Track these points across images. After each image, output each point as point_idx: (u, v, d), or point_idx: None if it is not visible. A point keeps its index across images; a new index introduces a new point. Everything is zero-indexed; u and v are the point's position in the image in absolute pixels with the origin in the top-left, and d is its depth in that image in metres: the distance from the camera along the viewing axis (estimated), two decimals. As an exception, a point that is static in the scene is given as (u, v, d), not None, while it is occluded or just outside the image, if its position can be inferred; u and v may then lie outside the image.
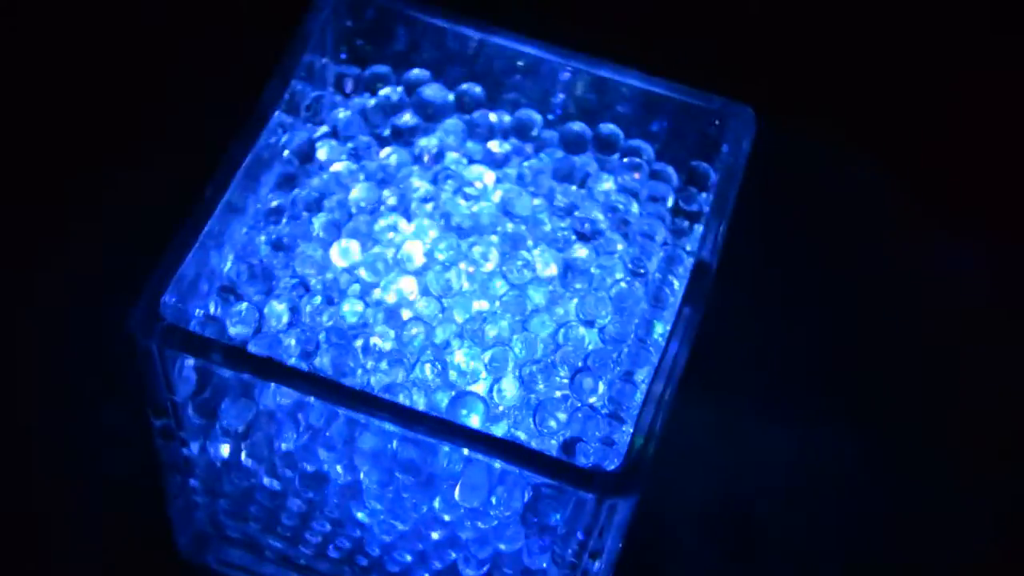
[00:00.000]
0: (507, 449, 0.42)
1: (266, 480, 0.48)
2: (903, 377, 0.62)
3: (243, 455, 0.48)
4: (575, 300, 0.49)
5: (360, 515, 0.48)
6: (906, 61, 0.70)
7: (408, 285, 0.48)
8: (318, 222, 0.49)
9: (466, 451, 0.43)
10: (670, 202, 0.51)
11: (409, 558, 0.50)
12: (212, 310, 0.47)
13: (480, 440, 0.42)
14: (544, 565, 0.47)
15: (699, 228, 0.51)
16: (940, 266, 0.66)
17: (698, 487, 0.59)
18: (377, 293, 0.48)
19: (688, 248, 0.51)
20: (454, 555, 0.49)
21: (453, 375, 0.47)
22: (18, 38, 0.68)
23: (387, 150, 0.51)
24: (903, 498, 0.60)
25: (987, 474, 0.61)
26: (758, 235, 0.57)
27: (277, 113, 0.49)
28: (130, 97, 0.67)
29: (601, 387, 0.46)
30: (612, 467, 0.43)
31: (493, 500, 0.45)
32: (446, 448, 0.43)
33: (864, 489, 0.60)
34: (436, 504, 0.46)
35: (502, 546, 0.47)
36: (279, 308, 0.47)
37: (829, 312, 0.64)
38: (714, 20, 0.71)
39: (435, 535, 0.48)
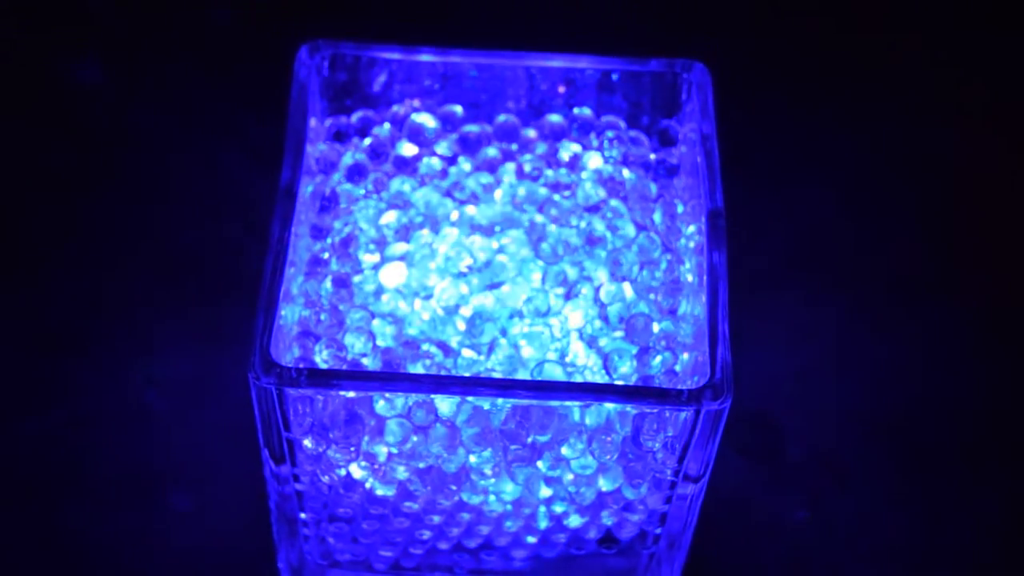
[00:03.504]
0: (615, 392, 0.48)
1: (379, 490, 0.53)
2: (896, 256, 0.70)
3: (357, 471, 0.53)
4: (603, 265, 0.55)
5: (475, 499, 0.54)
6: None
7: (460, 287, 0.54)
8: (362, 254, 0.55)
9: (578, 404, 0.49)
10: (652, 160, 0.58)
11: (517, 525, 0.55)
12: (297, 353, 0.52)
13: (591, 390, 0.48)
14: (644, 491, 0.53)
15: (679, 180, 0.58)
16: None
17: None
18: (435, 301, 0.54)
19: (676, 199, 0.58)
20: (559, 510, 0.55)
21: (526, 353, 0.52)
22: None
23: (397, 180, 0.57)
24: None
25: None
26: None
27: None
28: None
29: (655, 328, 0.53)
30: (698, 385, 0.49)
31: (595, 444, 0.51)
32: (553, 405, 0.49)
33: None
34: (542, 465, 0.52)
35: (604, 486, 0.53)
36: (357, 339, 0.52)
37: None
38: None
39: (543, 493, 0.53)
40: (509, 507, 0.55)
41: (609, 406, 0.50)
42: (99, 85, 0.77)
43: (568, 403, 0.49)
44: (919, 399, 0.67)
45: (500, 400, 0.49)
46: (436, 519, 0.55)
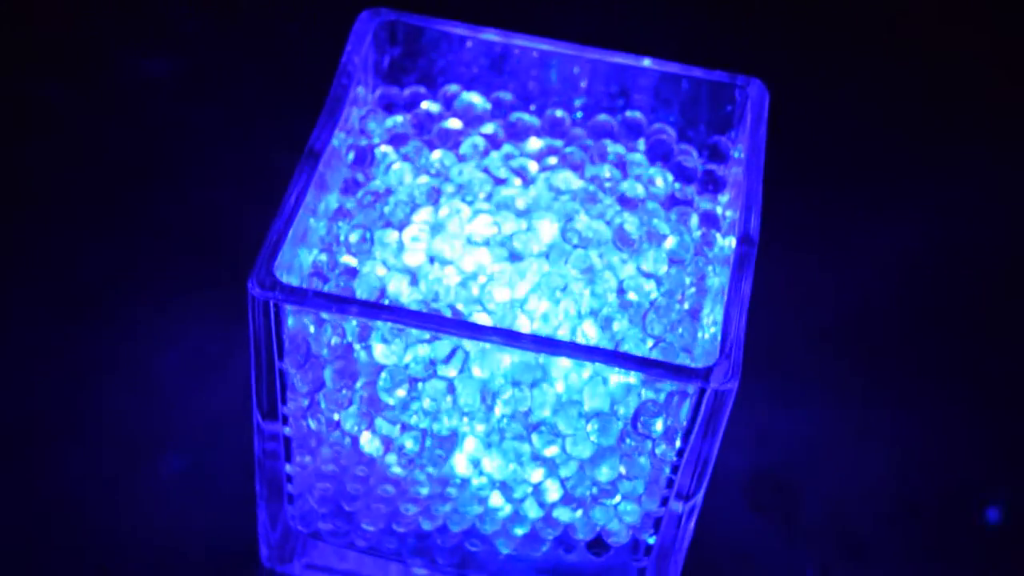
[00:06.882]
0: (620, 358, 0.47)
1: (367, 443, 0.51)
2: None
3: (348, 423, 0.51)
4: (630, 259, 0.53)
5: (464, 472, 0.51)
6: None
7: (481, 256, 0.53)
8: (388, 212, 0.54)
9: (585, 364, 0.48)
10: (699, 170, 0.57)
11: (508, 509, 0.53)
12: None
13: (596, 354, 0.47)
14: (641, 491, 0.51)
15: (724, 195, 0.57)
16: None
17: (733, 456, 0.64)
18: (453, 268, 0.53)
19: (719, 211, 0.56)
20: (551, 497, 0.52)
21: (538, 327, 0.51)
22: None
23: (437, 152, 0.56)
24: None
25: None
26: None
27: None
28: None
29: (676, 330, 0.51)
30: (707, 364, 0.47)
31: (590, 427, 0.49)
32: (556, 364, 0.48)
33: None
34: (536, 441, 0.50)
35: (599, 476, 0.51)
36: (370, 289, 0.51)
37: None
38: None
39: (535, 475, 0.51)
40: (498, 489, 0.52)
41: (614, 381, 0.48)
42: (158, 75, 0.78)
43: (574, 359, 0.47)
44: (943, 481, 0.65)
45: (502, 350, 0.47)
46: (424, 491, 0.53)
